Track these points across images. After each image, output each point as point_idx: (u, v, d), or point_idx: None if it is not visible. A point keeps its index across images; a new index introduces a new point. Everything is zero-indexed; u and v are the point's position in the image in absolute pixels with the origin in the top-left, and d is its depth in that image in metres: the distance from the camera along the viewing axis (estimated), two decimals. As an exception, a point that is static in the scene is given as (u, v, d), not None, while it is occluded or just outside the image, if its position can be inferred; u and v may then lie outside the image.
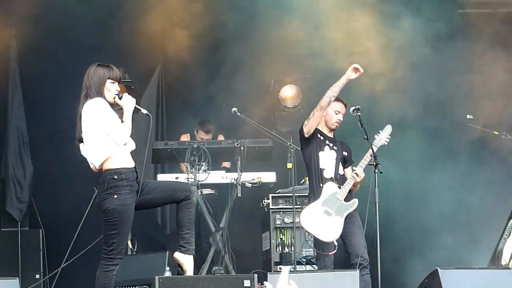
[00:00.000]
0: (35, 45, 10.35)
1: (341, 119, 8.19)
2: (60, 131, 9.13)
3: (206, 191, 9.74)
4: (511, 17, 10.67)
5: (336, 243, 7.89)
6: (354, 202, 7.98)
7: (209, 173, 9.46)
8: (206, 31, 10.41)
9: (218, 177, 9.61)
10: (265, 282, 4.48)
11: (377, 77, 9.62)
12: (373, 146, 7.91)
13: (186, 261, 6.90)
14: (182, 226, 6.90)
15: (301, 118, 8.68)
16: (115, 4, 10.16)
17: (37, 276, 10.09)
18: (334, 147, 8.18)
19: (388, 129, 8.06)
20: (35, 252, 10.30)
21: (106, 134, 6.60)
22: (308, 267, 9.36)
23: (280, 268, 9.56)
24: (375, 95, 9.73)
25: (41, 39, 10.28)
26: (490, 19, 10.51)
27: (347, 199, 7.97)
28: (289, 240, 9.75)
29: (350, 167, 8.26)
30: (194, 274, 7.05)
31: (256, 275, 7.12)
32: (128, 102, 6.74)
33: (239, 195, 9.47)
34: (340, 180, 8.08)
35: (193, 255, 6.94)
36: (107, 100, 6.69)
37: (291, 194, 9.53)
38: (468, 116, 10.12)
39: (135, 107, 6.80)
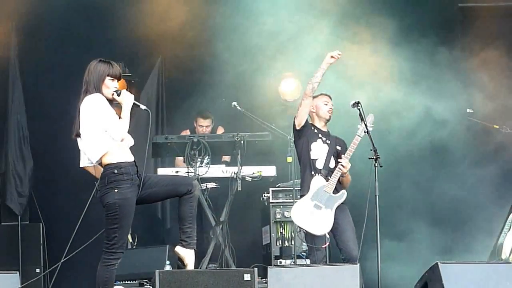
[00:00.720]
0: (35, 39, 10.34)
1: (332, 107, 8.30)
2: (60, 125, 9.13)
3: (211, 185, 9.74)
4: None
5: (328, 236, 8.00)
6: (343, 194, 8.09)
7: (209, 167, 9.46)
8: (205, 25, 10.40)
9: (218, 171, 9.62)
10: None
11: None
12: (357, 136, 8.02)
13: (187, 255, 6.92)
14: (183, 220, 6.92)
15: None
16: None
17: (37, 270, 10.10)
18: (328, 141, 8.28)
19: (370, 118, 8.13)
20: (35, 246, 10.32)
21: (103, 129, 6.63)
22: (308, 261, 9.36)
23: (280, 262, 9.59)
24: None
25: (41, 33, 10.28)
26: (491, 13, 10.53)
27: (336, 191, 8.07)
28: (289, 234, 9.75)
29: None
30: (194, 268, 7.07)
31: (256, 269, 7.11)
32: (127, 99, 6.77)
33: (239, 189, 9.48)
34: (330, 173, 8.15)
35: (195, 250, 6.96)
36: (105, 96, 6.72)
37: (291, 188, 9.55)
38: (468, 110, 10.13)
39: (134, 103, 6.83)
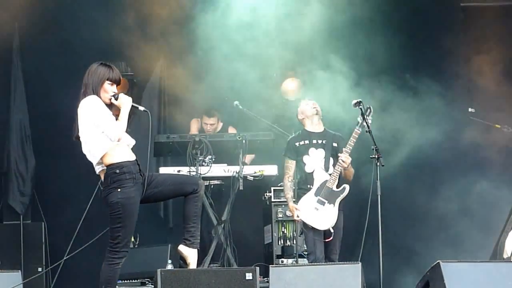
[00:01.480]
0: (37, 38, 10.35)
1: (315, 103, 8.46)
2: (62, 124, 9.13)
3: (214, 181, 9.74)
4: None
5: (332, 230, 8.17)
6: (344, 188, 8.22)
7: (211, 166, 9.47)
8: (205, 24, 10.41)
9: (220, 170, 9.62)
10: None
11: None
12: (356, 130, 8.11)
13: (190, 254, 6.94)
14: (188, 220, 6.94)
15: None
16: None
17: (39, 269, 10.11)
18: (322, 141, 8.38)
19: (369, 110, 8.19)
20: (37, 245, 10.33)
21: (100, 130, 6.66)
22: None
23: (282, 261, 9.60)
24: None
25: (43, 33, 10.29)
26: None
27: (339, 185, 8.20)
28: (291, 233, 9.76)
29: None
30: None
31: (258, 268, 7.13)
32: (125, 102, 6.81)
33: (241, 188, 9.48)
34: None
35: (198, 249, 6.98)
36: (102, 100, 6.75)
37: (293, 188, 9.55)
38: (469, 110, 10.14)
39: (133, 105, 6.85)
